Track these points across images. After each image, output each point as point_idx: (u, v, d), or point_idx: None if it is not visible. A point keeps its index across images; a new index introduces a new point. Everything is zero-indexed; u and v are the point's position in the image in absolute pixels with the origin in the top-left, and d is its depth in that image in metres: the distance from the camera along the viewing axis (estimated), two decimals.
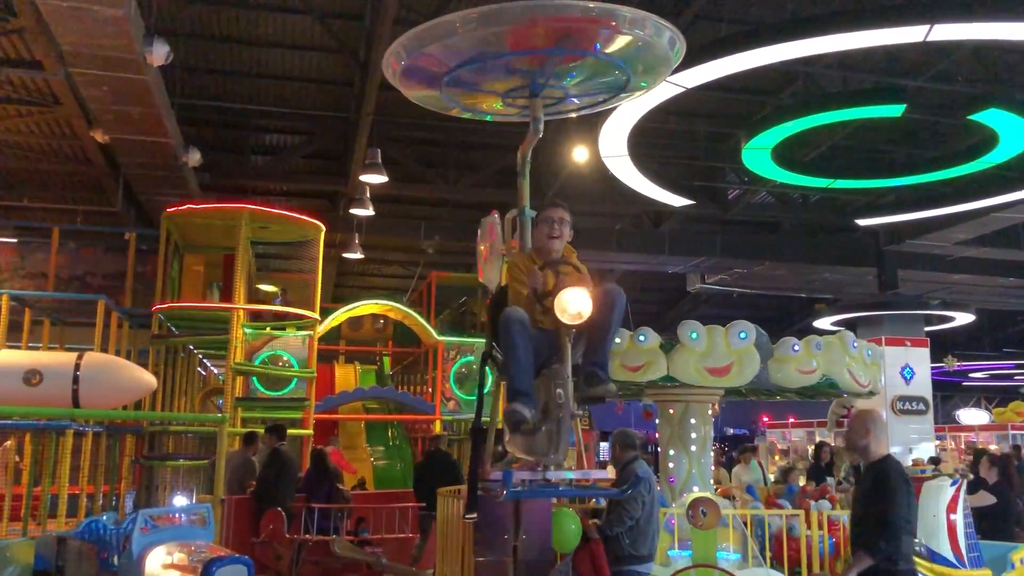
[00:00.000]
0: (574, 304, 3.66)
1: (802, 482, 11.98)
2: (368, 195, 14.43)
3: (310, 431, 11.67)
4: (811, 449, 22.01)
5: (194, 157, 12.15)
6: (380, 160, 13.07)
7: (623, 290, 4.00)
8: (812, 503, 8.72)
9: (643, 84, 4.34)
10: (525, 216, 4.50)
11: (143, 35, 8.60)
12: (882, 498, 4.61)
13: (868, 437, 4.88)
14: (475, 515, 4.16)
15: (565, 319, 3.67)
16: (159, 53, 8.70)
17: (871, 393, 9.10)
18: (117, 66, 8.83)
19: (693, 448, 8.70)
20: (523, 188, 4.36)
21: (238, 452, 9.91)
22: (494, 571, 4.56)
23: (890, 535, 4.50)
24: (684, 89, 10.66)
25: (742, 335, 8.01)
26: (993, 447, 20.18)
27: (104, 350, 10.16)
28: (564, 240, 4.09)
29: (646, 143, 13.57)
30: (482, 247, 4.81)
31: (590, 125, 12.29)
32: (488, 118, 4.86)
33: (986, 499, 8.55)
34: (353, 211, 14.86)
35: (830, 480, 11.44)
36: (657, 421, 9.60)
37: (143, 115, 10.22)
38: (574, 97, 4.46)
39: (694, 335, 8.01)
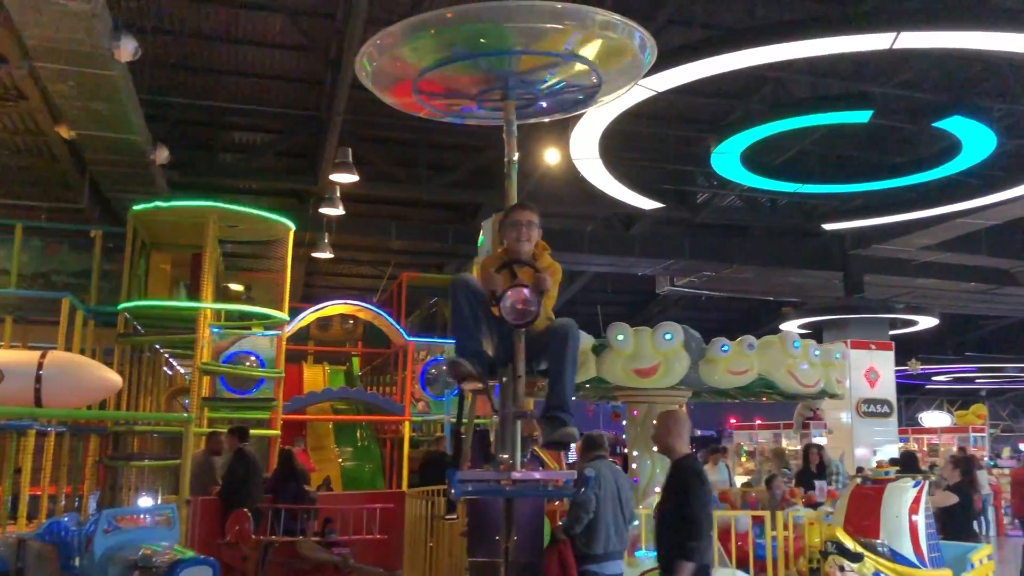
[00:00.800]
0: (511, 305, 3.69)
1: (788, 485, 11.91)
2: (338, 194, 14.35)
3: (277, 432, 11.59)
4: (774, 447, 22.26)
5: (162, 154, 12.00)
6: (351, 159, 13.01)
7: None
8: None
9: (615, 87, 4.36)
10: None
11: (110, 29, 8.47)
12: (681, 498, 4.70)
13: (670, 436, 5.02)
14: (455, 516, 4.16)
15: (508, 319, 3.69)
16: (127, 48, 8.58)
17: (824, 393, 9.10)
18: (83, 61, 8.70)
19: (655, 448, 8.74)
20: (510, 190, 4.35)
21: (199, 453, 9.82)
22: (486, 571, 4.58)
23: (694, 533, 4.57)
24: (655, 93, 10.73)
25: (667, 336, 8.07)
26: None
27: (68, 349, 10.02)
28: (532, 242, 4.09)
29: (617, 146, 13.64)
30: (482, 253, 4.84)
31: (561, 128, 12.33)
32: (461, 121, 4.85)
33: (948, 499, 8.68)
34: (323, 210, 14.78)
35: (820, 484, 11.27)
36: (624, 423, 9.65)
37: (110, 111, 10.08)
38: (546, 100, 4.46)
39: (620, 337, 8.06)
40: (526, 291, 3.69)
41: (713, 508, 5.65)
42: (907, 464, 10.91)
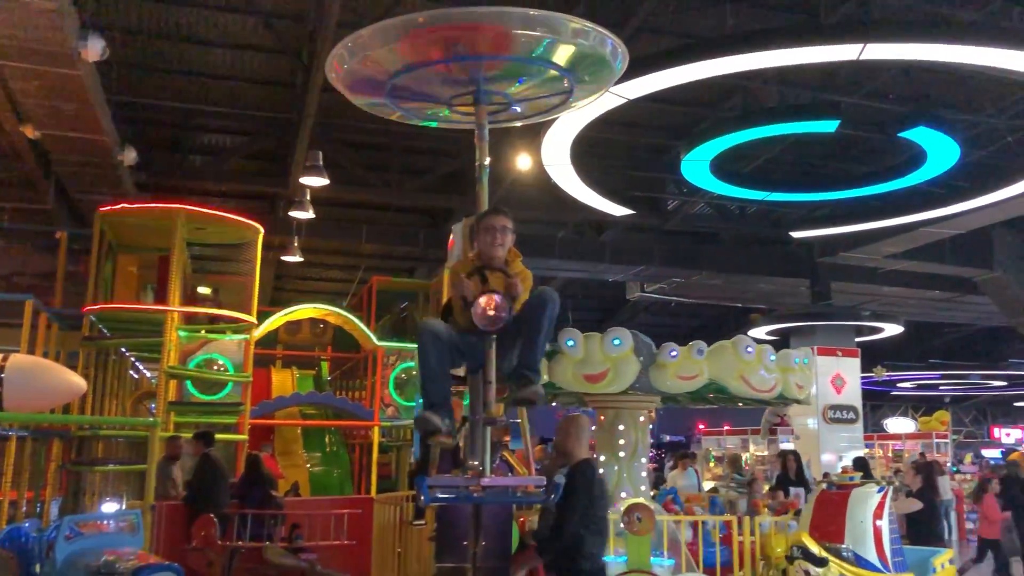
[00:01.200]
0: (483, 311, 3.70)
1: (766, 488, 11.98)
2: (308, 197, 14.27)
3: (245, 436, 11.49)
4: (728, 453, 22.46)
5: (130, 155, 11.89)
6: (321, 163, 12.95)
7: (558, 295, 4.03)
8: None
9: (587, 94, 4.38)
10: None
11: (77, 28, 8.39)
12: (568, 500, 4.77)
13: (568, 440, 5.07)
14: (423, 522, 4.17)
15: (479, 324, 3.70)
16: (94, 48, 8.50)
17: (783, 398, 9.09)
18: (49, 60, 8.60)
19: (622, 454, 8.79)
20: (482, 195, 4.35)
21: (160, 458, 9.71)
22: None
23: (558, 534, 4.68)
24: (626, 100, 10.79)
25: (616, 342, 8.12)
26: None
27: (32, 352, 9.88)
28: (506, 248, 4.10)
29: (588, 153, 13.70)
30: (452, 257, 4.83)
31: (533, 134, 12.36)
32: (433, 124, 4.85)
33: (913, 505, 8.80)
34: (293, 213, 14.69)
35: (795, 490, 11.31)
36: (594, 427, 9.68)
37: (77, 111, 9.97)
38: (518, 105, 4.48)
39: (570, 342, 8.09)
40: (498, 297, 3.71)
41: (607, 513, 5.71)
42: (860, 470, 11.02)
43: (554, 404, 10.94)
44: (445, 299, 4.41)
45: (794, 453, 12.88)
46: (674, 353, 8.29)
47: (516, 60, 3.90)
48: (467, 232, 4.64)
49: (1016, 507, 10.86)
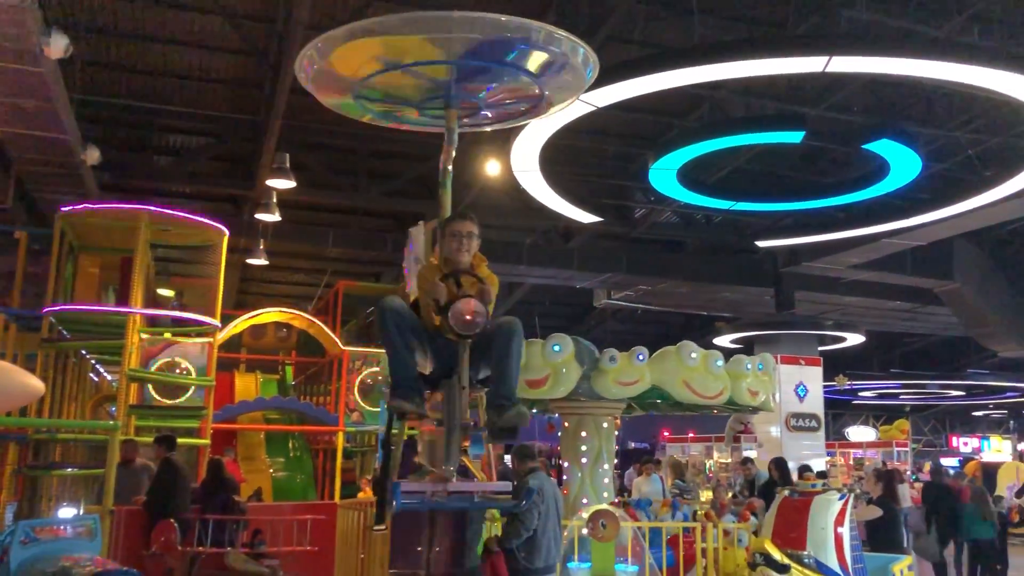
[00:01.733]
0: (461, 315, 3.70)
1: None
2: (275, 200, 14.17)
3: (207, 441, 11.35)
4: (670, 459, 22.61)
5: (93, 155, 11.72)
6: (288, 165, 12.86)
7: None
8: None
9: (557, 101, 4.39)
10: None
11: (40, 25, 8.26)
12: None
13: None
14: (383, 527, 4.13)
15: (458, 329, 3.70)
16: (57, 45, 8.37)
17: (733, 404, 9.08)
18: (11, 57, 8.46)
19: (584, 460, 8.81)
20: (444, 199, 4.35)
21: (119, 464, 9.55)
22: None
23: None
24: (595, 108, 10.85)
25: (556, 348, 8.21)
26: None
27: None
28: (472, 253, 4.10)
29: (557, 159, 13.75)
30: (410, 260, 4.80)
31: (503, 140, 12.38)
32: (403, 126, 4.83)
33: (873, 512, 8.88)
34: (258, 216, 14.57)
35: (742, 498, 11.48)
36: (560, 434, 9.70)
37: (38, 109, 9.82)
38: (489, 110, 4.48)
39: None
40: (475, 301, 3.71)
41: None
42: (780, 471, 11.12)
43: None
44: (412, 300, 4.38)
45: (750, 460, 13.21)
46: (614, 359, 8.37)
47: (486, 65, 3.90)
48: (429, 235, 4.63)
49: (936, 512, 11.07)
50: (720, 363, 8.75)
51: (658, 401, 9.09)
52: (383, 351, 3.91)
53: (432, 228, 4.63)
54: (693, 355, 8.57)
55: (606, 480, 9.01)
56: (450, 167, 4.29)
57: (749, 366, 9.02)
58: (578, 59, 3.90)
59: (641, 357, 8.45)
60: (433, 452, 3.84)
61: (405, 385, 3.82)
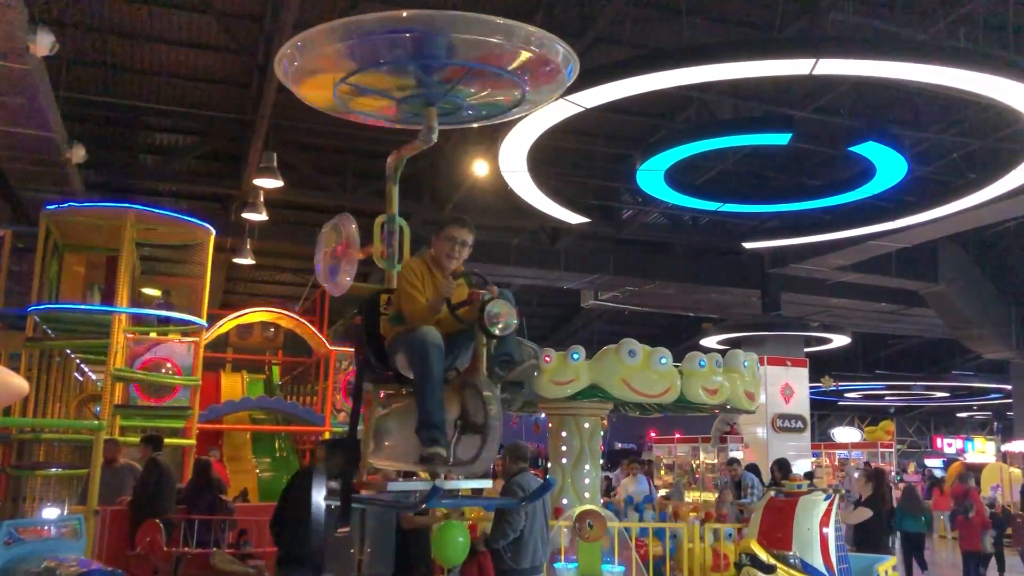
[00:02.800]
0: (497, 318, 3.66)
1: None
2: (262, 199, 14.12)
3: (193, 441, 11.30)
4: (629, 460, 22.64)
5: (78, 153, 11.64)
6: (275, 164, 12.82)
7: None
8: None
9: (539, 100, 4.38)
10: (395, 224, 4.47)
11: (26, 22, 8.21)
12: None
13: None
14: (347, 528, 4.09)
15: (495, 331, 3.63)
16: (43, 43, 8.31)
17: (685, 401, 8.83)
18: None
19: (564, 461, 8.81)
20: (392, 194, 4.33)
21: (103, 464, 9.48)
22: None
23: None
24: (583, 109, 10.86)
25: None
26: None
27: None
28: (460, 262, 4.11)
29: (545, 160, 13.76)
30: (326, 249, 4.68)
31: (491, 140, 12.38)
32: (382, 121, 4.81)
33: (864, 514, 8.89)
34: (245, 215, 14.52)
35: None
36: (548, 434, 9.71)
37: (23, 106, 9.74)
38: (470, 108, 4.47)
39: None
40: (509, 305, 3.70)
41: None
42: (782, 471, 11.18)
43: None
44: (385, 299, 4.28)
45: (736, 461, 13.35)
46: (548, 358, 8.38)
47: (467, 65, 3.88)
48: (377, 229, 4.60)
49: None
50: (664, 360, 8.58)
51: (597, 398, 8.91)
52: (417, 357, 3.74)
53: (380, 223, 4.60)
54: (633, 352, 8.48)
55: (587, 481, 8.98)
56: (403, 163, 4.30)
57: (704, 363, 8.88)
58: (559, 59, 3.89)
59: (576, 356, 8.44)
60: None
61: (442, 429, 3.58)
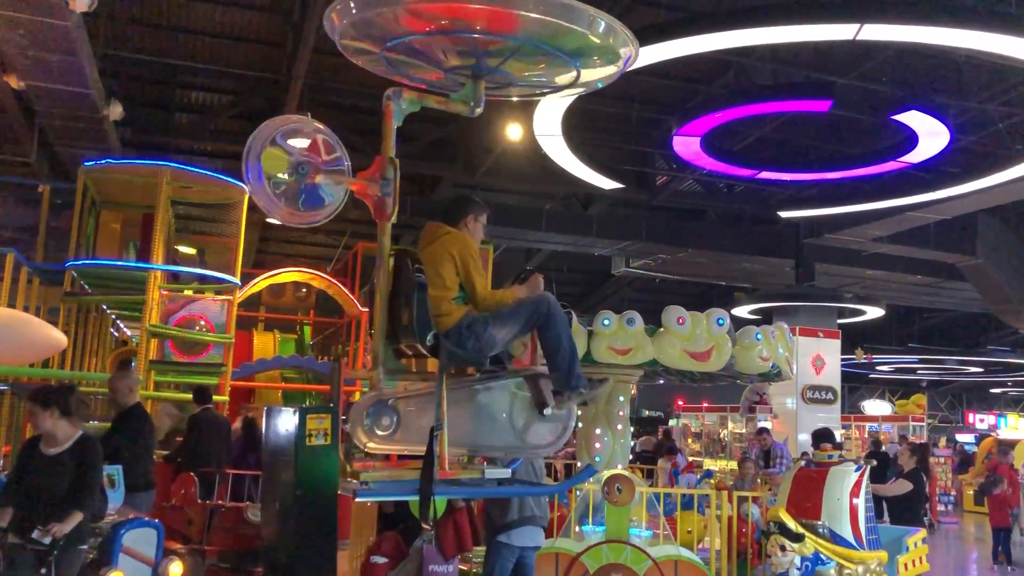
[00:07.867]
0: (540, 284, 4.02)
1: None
2: None
3: (226, 397, 11.46)
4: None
5: (115, 111, 11.72)
6: None
7: (544, 279, 4.14)
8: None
9: (589, 82, 4.33)
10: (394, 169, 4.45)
11: None
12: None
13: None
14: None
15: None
16: None
17: (656, 364, 8.49)
18: (36, 8, 8.42)
19: (619, 427, 8.81)
20: (388, 137, 4.39)
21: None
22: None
23: None
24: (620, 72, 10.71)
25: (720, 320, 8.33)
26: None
27: (12, 306, 9.77)
28: None
29: (579, 124, 13.63)
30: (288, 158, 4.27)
31: (525, 104, 12.27)
32: (424, 86, 4.74)
33: (904, 486, 8.80)
34: None
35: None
36: None
37: (62, 63, 9.79)
38: (520, 84, 4.40)
39: (606, 321, 8.13)
40: None
41: None
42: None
43: None
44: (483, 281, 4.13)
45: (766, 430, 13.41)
46: (608, 321, 8.28)
47: (519, 41, 3.78)
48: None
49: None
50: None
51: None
52: (554, 322, 3.90)
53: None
54: (606, 321, 8.20)
55: (598, 446, 8.85)
56: (413, 105, 4.34)
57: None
58: (617, 43, 3.78)
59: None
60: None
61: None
